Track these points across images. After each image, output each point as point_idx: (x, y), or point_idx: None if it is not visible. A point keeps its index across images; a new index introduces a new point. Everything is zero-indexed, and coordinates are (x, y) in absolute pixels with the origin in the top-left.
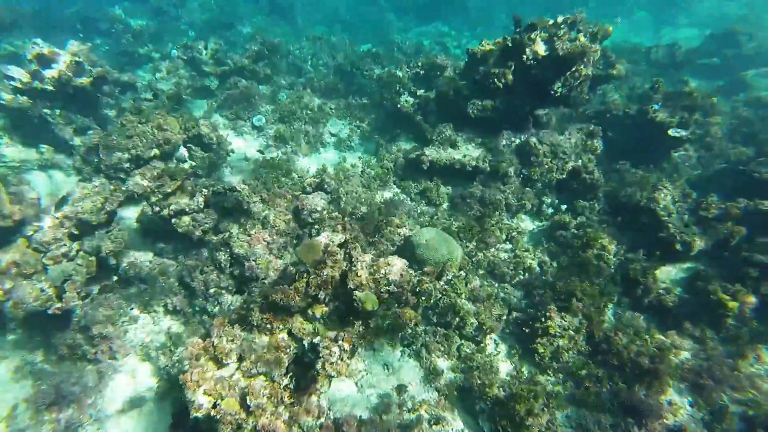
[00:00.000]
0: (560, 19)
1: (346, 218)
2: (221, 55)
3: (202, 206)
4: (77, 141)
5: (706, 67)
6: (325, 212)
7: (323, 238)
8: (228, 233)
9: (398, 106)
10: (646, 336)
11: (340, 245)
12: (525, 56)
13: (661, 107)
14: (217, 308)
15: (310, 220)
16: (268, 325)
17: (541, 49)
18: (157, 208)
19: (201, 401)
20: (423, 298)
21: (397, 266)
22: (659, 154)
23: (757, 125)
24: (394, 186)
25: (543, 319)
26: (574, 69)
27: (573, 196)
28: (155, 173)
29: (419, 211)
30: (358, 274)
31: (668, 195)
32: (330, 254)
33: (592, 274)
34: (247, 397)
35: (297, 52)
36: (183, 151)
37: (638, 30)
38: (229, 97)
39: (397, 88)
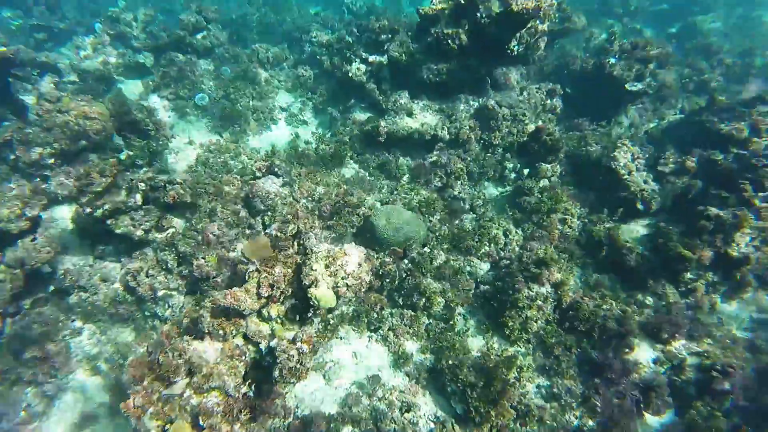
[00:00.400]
0: None
1: (299, 204)
2: (155, 28)
3: (140, 203)
4: None
5: (658, 12)
6: (277, 198)
7: (274, 230)
8: (172, 231)
9: (349, 75)
10: (612, 300)
11: (293, 236)
12: (479, 14)
13: (618, 60)
14: (168, 311)
15: (262, 207)
16: (221, 331)
17: (495, 6)
18: (89, 209)
19: (148, 427)
20: (387, 280)
21: (354, 256)
22: (617, 108)
23: (708, 75)
24: (352, 162)
25: (511, 291)
26: (530, 25)
27: (535, 159)
28: (82, 170)
29: (379, 186)
30: (313, 268)
31: (628, 152)
32: (281, 249)
33: (557, 239)
34: (200, 417)
35: (235, 17)
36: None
37: None
38: (166, 75)
39: (348, 55)
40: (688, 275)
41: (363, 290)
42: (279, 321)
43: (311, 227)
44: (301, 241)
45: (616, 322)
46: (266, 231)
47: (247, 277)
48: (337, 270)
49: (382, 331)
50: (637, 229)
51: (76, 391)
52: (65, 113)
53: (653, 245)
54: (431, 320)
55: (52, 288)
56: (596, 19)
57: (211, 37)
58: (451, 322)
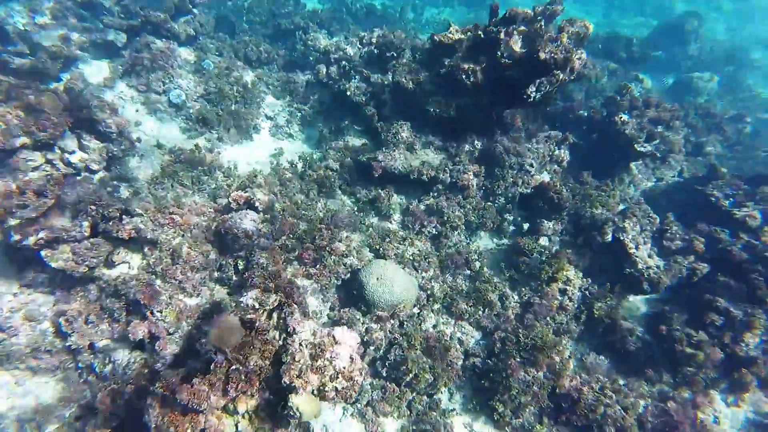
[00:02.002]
0: (539, 8)
1: (278, 254)
2: (131, 2)
3: (87, 234)
4: None
5: (654, 60)
6: (255, 238)
7: (250, 300)
8: (124, 269)
9: (347, 93)
10: (612, 393)
11: (272, 310)
12: (499, 53)
13: (629, 117)
14: (108, 367)
15: (236, 247)
16: (172, 429)
17: (517, 46)
18: (18, 237)
19: None
20: (372, 347)
21: (346, 346)
22: (623, 165)
23: (705, 137)
24: (339, 191)
25: (504, 374)
26: (552, 74)
27: (537, 214)
28: (13, 186)
29: (367, 224)
30: (296, 359)
31: (637, 224)
32: (259, 332)
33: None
34: None
35: (230, 3)
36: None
37: (589, 10)
38: (138, 62)
39: (347, 68)
40: (690, 369)
41: (354, 394)
42: (247, 416)
43: (297, 301)
44: (283, 316)
45: (614, 425)
46: (240, 300)
47: (213, 368)
48: (324, 366)
49: (359, 405)
50: (639, 306)
51: None
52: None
53: (654, 328)
54: (414, 394)
55: None
56: (598, 60)
57: (196, 23)
58: (437, 399)
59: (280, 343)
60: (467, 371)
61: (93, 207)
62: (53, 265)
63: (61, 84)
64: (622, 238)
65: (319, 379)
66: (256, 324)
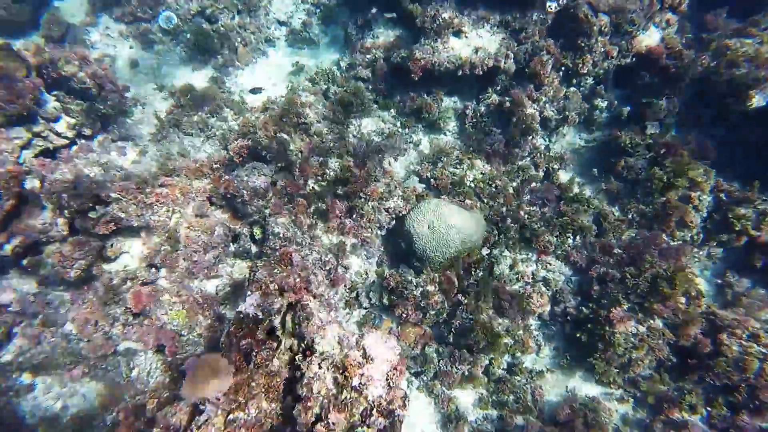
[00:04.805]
0: None
1: (291, 254)
2: None
3: (66, 232)
4: None
5: None
6: (268, 197)
7: (250, 308)
8: (115, 274)
9: None
10: None
11: (286, 310)
12: None
13: None
14: (135, 372)
15: (249, 211)
16: None
17: None
18: None
19: None
20: (432, 312)
21: (382, 362)
22: None
23: None
24: (375, 107)
25: (604, 322)
26: None
27: (642, 92)
28: None
29: (413, 142)
30: (314, 392)
31: None
32: (259, 363)
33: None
34: None
35: None
36: None
37: None
38: None
39: None
40: None
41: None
42: None
43: (315, 288)
44: (297, 321)
45: None
46: (238, 310)
47: (202, 424)
48: (352, 399)
49: (425, 376)
50: None
51: None
52: None
53: None
54: (492, 356)
55: None
56: None
57: None
58: (518, 365)
59: (289, 368)
60: (557, 319)
61: (65, 199)
62: (42, 272)
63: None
64: None
65: (347, 420)
66: (253, 353)
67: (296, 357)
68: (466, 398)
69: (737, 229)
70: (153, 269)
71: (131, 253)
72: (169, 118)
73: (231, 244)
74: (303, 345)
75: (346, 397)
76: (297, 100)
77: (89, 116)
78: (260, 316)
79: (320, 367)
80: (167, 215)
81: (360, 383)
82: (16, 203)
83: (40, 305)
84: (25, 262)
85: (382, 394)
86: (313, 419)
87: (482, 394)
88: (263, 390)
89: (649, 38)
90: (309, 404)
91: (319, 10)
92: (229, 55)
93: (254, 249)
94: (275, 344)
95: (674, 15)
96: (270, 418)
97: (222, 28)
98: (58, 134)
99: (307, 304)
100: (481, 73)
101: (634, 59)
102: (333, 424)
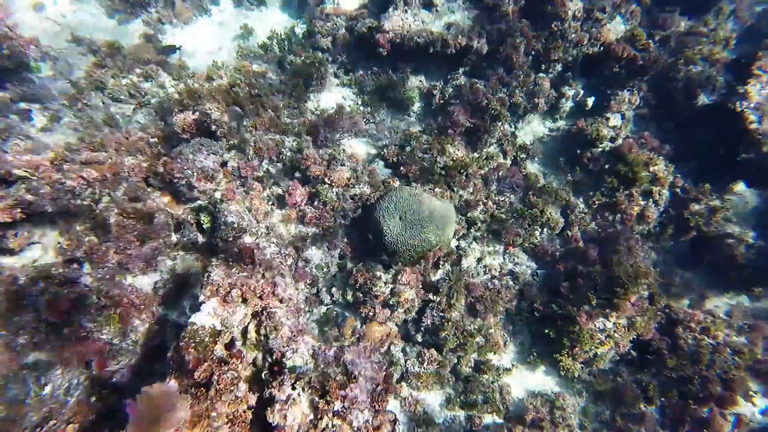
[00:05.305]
0: None
1: (255, 249)
2: None
3: None
4: None
5: None
6: (218, 180)
7: (206, 317)
8: (34, 270)
9: None
10: (721, 329)
11: (244, 327)
12: None
13: None
14: (47, 390)
15: (194, 195)
16: None
17: None
18: None
19: None
20: (400, 311)
21: (364, 380)
22: None
23: None
24: (336, 80)
25: (571, 320)
26: None
27: (608, 83)
28: None
29: (377, 121)
30: (288, 420)
31: (758, 84)
32: (222, 391)
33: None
34: None
35: None
36: None
37: None
38: None
39: None
40: None
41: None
42: None
43: (282, 291)
44: (264, 332)
45: (720, 377)
46: (192, 321)
47: None
48: (335, 428)
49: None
50: (749, 200)
51: None
52: None
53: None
54: (461, 354)
55: None
56: None
57: None
58: (485, 364)
59: (264, 373)
60: (523, 314)
61: None
62: None
63: None
64: (738, 107)
65: None
66: (213, 377)
67: (263, 374)
68: (434, 398)
69: (690, 224)
70: (74, 264)
71: (44, 244)
72: (90, 79)
73: (173, 233)
74: (270, 359)
75: (327, 426)
76: (249, 68)
77: None
78: (219, 328)
79: (294, 388)
80: (92, 199)
81: (343, 407)
82: None
83: None
84: None
85: (369, 419)
86: None
87: (450, 394)
88: (227, 421)
89: (615, 29)
90: None
91: None
92: (165, 9)
93: (201, 240)
94: (238, 363)
95: (638, 6)
96: None
97: None
98: None
99: (275, 312)
100: (453, 51)
101: (601, 48)
102: None
